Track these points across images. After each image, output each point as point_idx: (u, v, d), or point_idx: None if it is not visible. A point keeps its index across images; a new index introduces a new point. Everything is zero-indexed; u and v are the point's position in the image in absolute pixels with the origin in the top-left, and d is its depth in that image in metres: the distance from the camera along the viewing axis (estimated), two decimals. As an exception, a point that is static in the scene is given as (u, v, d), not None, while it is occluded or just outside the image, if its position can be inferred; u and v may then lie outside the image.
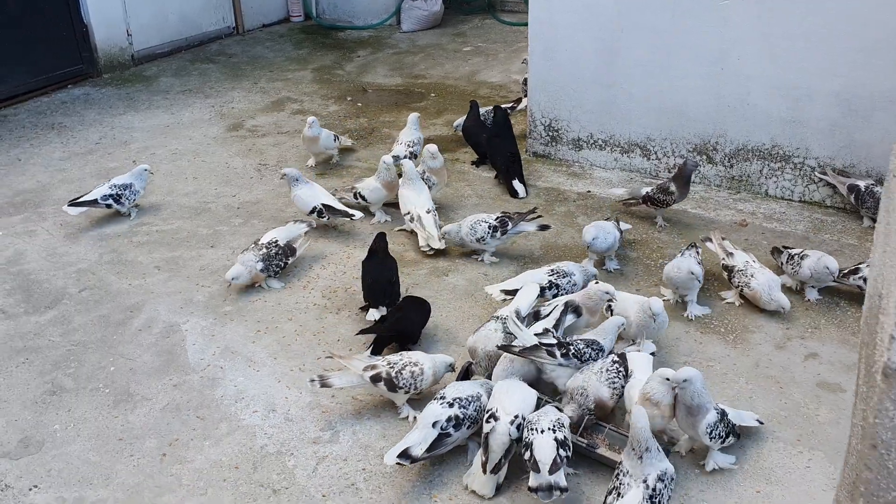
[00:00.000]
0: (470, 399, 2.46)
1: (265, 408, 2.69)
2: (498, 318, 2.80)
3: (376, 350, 2.84)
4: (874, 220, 3.34)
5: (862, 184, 3.67)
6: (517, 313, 2.81)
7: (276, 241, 3.35)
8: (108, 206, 3.87)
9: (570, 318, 2.82)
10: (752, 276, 3.07)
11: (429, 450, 2.34)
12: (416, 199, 3.64)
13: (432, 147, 3.96)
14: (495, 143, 4.26)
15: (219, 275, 3.43)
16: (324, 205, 3.69)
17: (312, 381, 2.59)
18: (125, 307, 3.29)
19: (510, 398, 2.44)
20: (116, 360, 2.96)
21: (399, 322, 2.94)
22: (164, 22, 6.61)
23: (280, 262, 3.31)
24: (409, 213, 3.65)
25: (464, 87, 5.83)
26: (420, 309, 3.00)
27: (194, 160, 4.69)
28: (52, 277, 3.51)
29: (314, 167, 4.47)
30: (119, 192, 3.87)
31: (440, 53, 6.63)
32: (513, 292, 3.07)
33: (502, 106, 4.56)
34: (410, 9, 7.22)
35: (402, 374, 2.57)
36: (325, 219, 3.71)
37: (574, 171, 4.41)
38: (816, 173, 3.87)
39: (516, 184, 4.12)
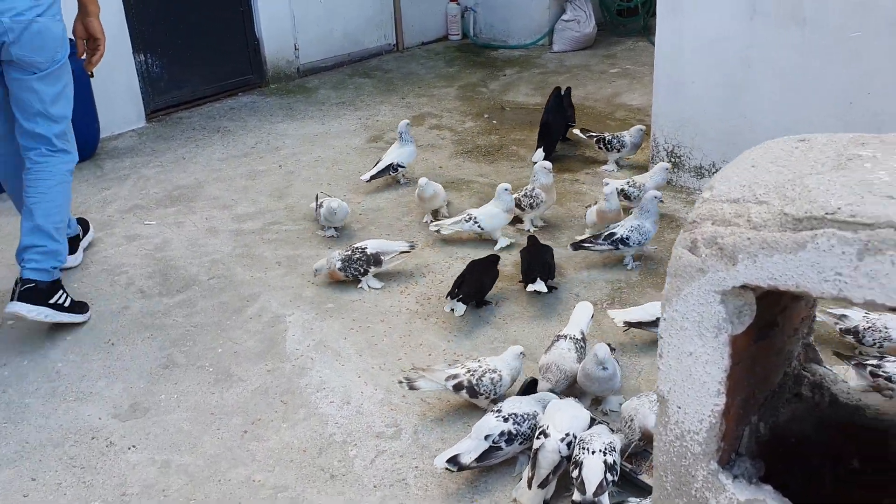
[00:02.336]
0: (526, 416, 2.56)
1: (341, 399, 2.92)
2: (566, 337, 2.89)
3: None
4: None
5: None
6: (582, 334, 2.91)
7: (365, 248, 3.57)
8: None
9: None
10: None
11: (478, 459, 2.47)
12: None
13: (546, 163, 4.08)
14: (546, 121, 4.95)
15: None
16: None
17: (401, 382, 2.78)
18: (243, 296, 3.64)
19: (562, 416, 2.52)
20: (225, 343, 3.30)
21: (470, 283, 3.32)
22: (329, 38, 7.10)
23: (360, 268, 3.52)
24: None
25: (602, 108, 5.87)
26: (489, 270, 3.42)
27: (332, 167, 5.05)
28: (189, 265, 3.94)
29: (431, 222, 4.10)
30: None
31: (585, 74, 6.69)
32: (636, 324, 3.11)
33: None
34: (563, 29, 7.33)
35: (482, 381, 2.72)
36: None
37: (693, 198, 4.36)
38: None
39: (539, 151, 4.85)
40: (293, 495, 2.51)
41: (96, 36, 3.44)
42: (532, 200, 4.03)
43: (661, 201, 3.67)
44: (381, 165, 4.61)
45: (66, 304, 3.34)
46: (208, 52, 6.31)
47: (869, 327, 2.83)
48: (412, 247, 3.69)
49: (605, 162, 4.85)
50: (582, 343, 2.90)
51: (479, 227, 3.89)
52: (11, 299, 3.19)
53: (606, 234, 3.60)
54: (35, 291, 3.21)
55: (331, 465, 2.62)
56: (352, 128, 5.74)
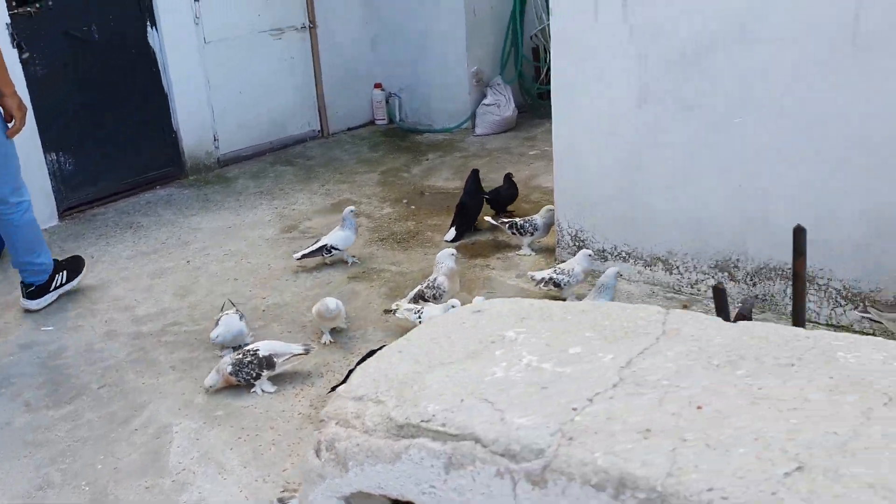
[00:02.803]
0: None
1: (219, 517, 2.79)
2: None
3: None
4: None
5: None
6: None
7: (257, 350, 3.48)
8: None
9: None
10: None
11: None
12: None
13: (451, 249, 4.10)
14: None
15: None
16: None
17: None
18: (132, 405, 3.51)
19: None
20: (106, 459, 3.15)
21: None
22: (250, 127, 7.10)
23: (252, 372, 3.42)
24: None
25: (519, 190, 5.89)
26: None
27: (241, 261, 4.97)
28: (81, 373, 3.80)
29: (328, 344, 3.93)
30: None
31: (505, 157, 6.76)
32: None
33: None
34: (484, 113, 7.43)
35: None
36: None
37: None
38: (857, 312, 3.62)
39: (451, 230, 5.02)
40: None
41: (11, 114, 4.07)
42: (435, 291, 3.99)
43: (622, 275, 3.94)
44: (315, 246, 4.66)
45: (65, 280, 4.52)
46: (124, 146, 6.25)
47: None
48: (307, 350, 3.59)
49: (517, 247, 4.85)
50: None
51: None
52: (22, 296, 4.40)
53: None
54: (38, 290, 4.41)
55: (199, 592, 2.48)
56: (266, 218, 5.70)
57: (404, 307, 3.85)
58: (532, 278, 4.16)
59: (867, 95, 3.36)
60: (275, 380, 3.55)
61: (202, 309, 4.35)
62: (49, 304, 4.45)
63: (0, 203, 4.13)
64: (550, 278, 4.08)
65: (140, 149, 6.36)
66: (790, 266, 3.70)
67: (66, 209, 5.95)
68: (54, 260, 4.53)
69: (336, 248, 4.64)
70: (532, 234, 4.72)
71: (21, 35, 5.46)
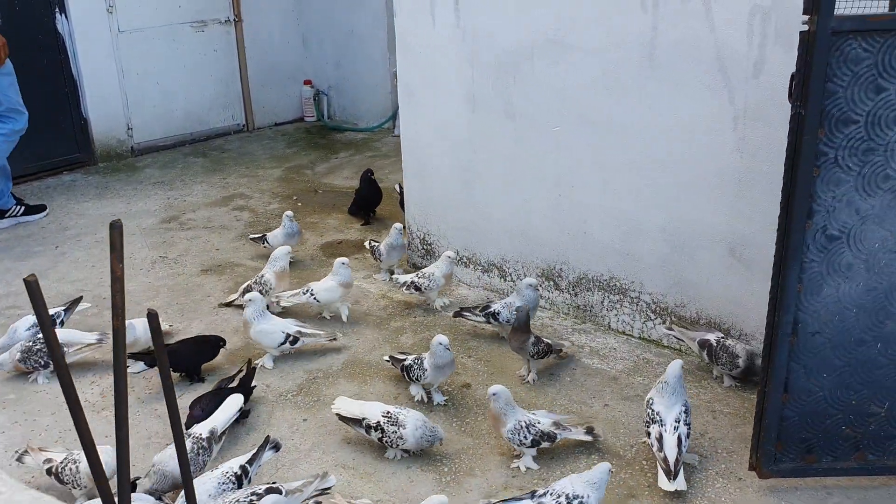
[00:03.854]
0: None
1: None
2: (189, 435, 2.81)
3: None
4: (734, 378, 3.11)
5: (712, 337, 3.35)
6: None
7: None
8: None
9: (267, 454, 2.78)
10: None
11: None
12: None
13: (286, 247, 4.11)
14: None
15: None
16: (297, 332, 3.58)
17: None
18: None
19: None
20: None
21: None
22: (169, 118, 7.13)
23: (40, 360, 3.43)
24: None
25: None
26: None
27: (106, 249, 4.96)
28: None
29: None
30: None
31: (413, 158, 6.74)
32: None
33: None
34: (406, 113, 7.42)
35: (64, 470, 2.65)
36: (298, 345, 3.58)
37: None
38: (664, 329, 3.58)
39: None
40: None
41: None
42: (262, 287, 3.98)
43: (537, 289, 3.76)
44: (259, 235, 4.76)
45: (19, 214, 5.39)
46: (32, 130, 6.23)
47: None
48: (100, 340, 3.59)
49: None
50: (204, 444, 2.80)
51: (315, 299, 3.91)
52: None
53: (483, 307, 3.75)
54: None
55: None
56: (153, 208, 5.71)
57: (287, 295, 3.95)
58: (396, 281, 4.12)
59: (662, 111, 3.33)
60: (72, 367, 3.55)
61: (50, 294, 4.36)
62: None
63: None
64: (412, 282, 4.02)
65: (46, 134, 6.37)
66: (607, 277, 3.70)
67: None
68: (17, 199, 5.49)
69: (267, 243, 4.64)
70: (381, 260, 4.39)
71: (-83, 16, 5.50)
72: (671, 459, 2.73)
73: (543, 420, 2.90)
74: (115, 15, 6.62)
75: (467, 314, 3.77)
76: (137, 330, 3.54)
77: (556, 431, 2.88)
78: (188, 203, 5.81)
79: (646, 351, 3.63)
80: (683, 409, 2.83)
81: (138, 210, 5.69)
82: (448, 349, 3.13)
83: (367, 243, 4.55)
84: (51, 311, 3.82)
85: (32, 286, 1.31)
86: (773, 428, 2.67)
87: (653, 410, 2.84)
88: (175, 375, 3.48)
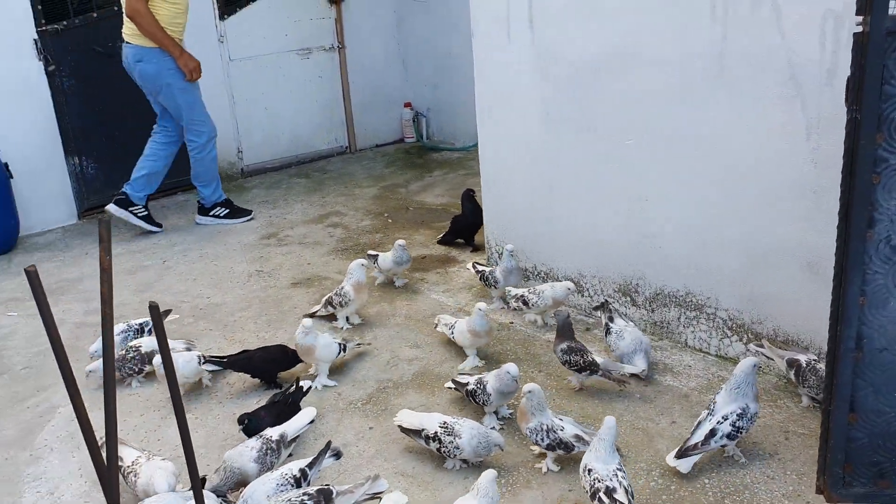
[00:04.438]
0: None
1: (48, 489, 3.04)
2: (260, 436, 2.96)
3: None
4: (815, 401, 3.01)
5: (803, 359, 3.21)
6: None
7: (140, 346, 3.72)
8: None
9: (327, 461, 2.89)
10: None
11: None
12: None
13: (363, 260, 4.21)
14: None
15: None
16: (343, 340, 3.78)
17: None
18: (38, 387, 3.83)
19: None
20: (-9, 430, 3.48)
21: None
22: (276, 142, 7.50)
23: (134, 367, 3.67)
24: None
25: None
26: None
27: (209, 263, 5.29)
28: (14, 355, 4.18)
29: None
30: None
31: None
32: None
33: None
34: (502, 133, 7.48)
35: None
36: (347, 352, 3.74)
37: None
38: (752, 346, 3.47)
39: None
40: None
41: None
42: (341, 299, 4.12)
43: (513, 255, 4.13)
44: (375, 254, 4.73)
45: (222, 215, 6.04)
46: (148, 154, 6.74)
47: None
48: (188, 348, 3.80)
49: (461, 262, 4.90)
50: (273, 446, 2.93)
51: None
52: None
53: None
54: (200, 209, 6.07)
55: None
56: (255, 225, 6.01)
57: (443, 321, 3.87)
58: (507, 293, 4.10)
59: (733, 122, 3.25)
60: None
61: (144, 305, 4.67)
62: (207, 226, 6.03)
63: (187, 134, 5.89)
64: (522, 296, 3.99)
65: (166, 157, 6.83)
66: (684, 292, 3.63)
67: (86, 210, 6.49)
68: (226, 199, 6.13)
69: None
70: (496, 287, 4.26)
71: (48, 49, 6.04)
72: (692, 441, 2.78)
73: (567, 428, 2.88)
74: (226, 44, 7.03)
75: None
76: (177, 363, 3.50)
77: (574, 443, 2.85)
78: (287, 221, 6.07)
79: (721, 369, 3.51)
80: (740, 410, 2.77)
81: (242, 227, 5.99)
82: (516, 380, 3.11)
83: (471, 266, 4.48)
84: (140, 321, 4.10)
85: (32, 276, 1.44)
86: (839, 449, 2.53)
87: (712, 402, 2.86)
88: (252, 380, 3.65)
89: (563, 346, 3.34)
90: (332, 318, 4.24)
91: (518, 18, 3.94)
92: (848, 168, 2.31)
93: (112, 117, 6.50)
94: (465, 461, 2.98)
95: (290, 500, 2.57)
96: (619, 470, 2.57)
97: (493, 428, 3.17)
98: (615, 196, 3.80)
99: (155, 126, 5.96)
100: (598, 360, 3.34)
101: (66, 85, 6.23)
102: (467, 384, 3.28)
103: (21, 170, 5.92)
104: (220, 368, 3.68)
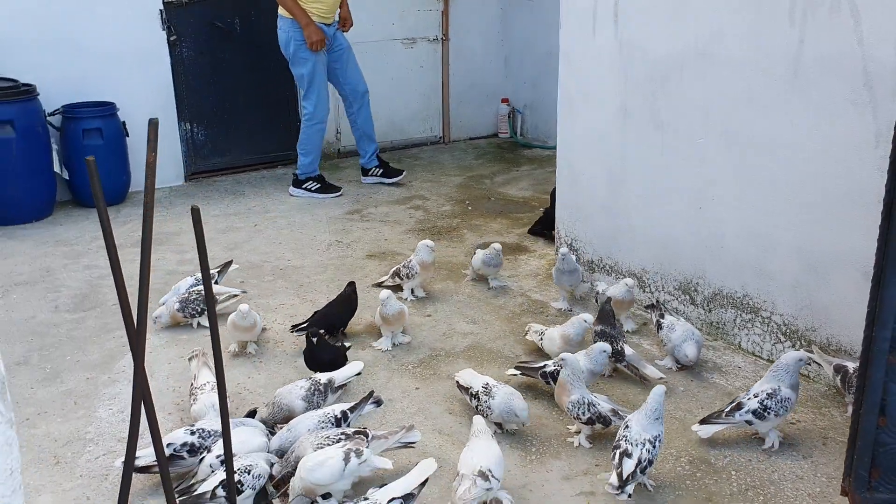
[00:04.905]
0: (213, 433, 2.84)
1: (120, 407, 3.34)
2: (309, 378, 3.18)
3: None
4: None
5: (851, 366, 3.20)
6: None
7: (200, 289, 4.03)
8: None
9: (368, 407, 3.07)
10: None
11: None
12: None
13: (429, 241, 4.37)
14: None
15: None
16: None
17: None
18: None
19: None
20: (76, 353, 3.84)
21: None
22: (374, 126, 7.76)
23: (196, 308, 3.97)
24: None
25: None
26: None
27: (295, 231, 5.58)
28: (108, 293, 4.55)
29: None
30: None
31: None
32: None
33: None
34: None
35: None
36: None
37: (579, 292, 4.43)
38: (803, 352, 3.45)
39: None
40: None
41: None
42: (409, 271, 4.32)
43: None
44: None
45: (314, 189, 6.38)
46: (252, 127, 7.15)
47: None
48: (244, 291, 4.18)
49: (533, 251, 5.01)
50: (321, 388, 3.14)
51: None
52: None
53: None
54: (295, 181, 6.46)
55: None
56: (343, 202, 6.28)
57: (533, 329, 3.72)
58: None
59: (804, 127, 3.25)
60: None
61: (239, 260, 4.97)
62: (298, 198, 6.36)
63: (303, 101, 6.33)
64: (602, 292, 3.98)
65: (267, 132, 7.23)
66: (741, 294, 3.64)
67: (193, 174, 6.93)
68: (320, 175, 6.45)
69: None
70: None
71: (171, 21, 6.49)
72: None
73: (603, 404, 2.96)
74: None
75: None
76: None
77: (611, 417, 2.93)
78: (373, 200, 6.32)
79: (773, 374, 3.50)
80: (770, 390, 2.92)
81: (331, 203, 6.27)
82: (609, 357, 3.26)
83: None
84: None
85: (91, 165, 1.64)
86: (866, 452, 2.53)
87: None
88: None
89: (598, 328, 3.44)
90: (398, 288, 4.42)
91: (604, 12, 4.02)
92: (893, 166, 2.31)
93: (224, 90, 6.91)
94: (499, 426, 3.10)
95: (328, 436, 2.77)
96: (652, 442, 2.66)
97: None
98: (682, 194, 3.84)
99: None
100: (627, 350, 3.43)
101: (185, 55, 6.67)
102: (544, 366, 3.31)
103: (137, 131, 6.37)
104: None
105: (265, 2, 6.70)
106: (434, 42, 7.94)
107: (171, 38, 6.54)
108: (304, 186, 6.43)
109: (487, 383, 3.10)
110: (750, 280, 3.62)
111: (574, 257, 4.15)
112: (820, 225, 3.28)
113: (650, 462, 2.65)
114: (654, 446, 2.67)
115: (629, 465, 2.61)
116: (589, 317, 3.57)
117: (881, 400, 2.47)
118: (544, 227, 5.29)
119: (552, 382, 3.20)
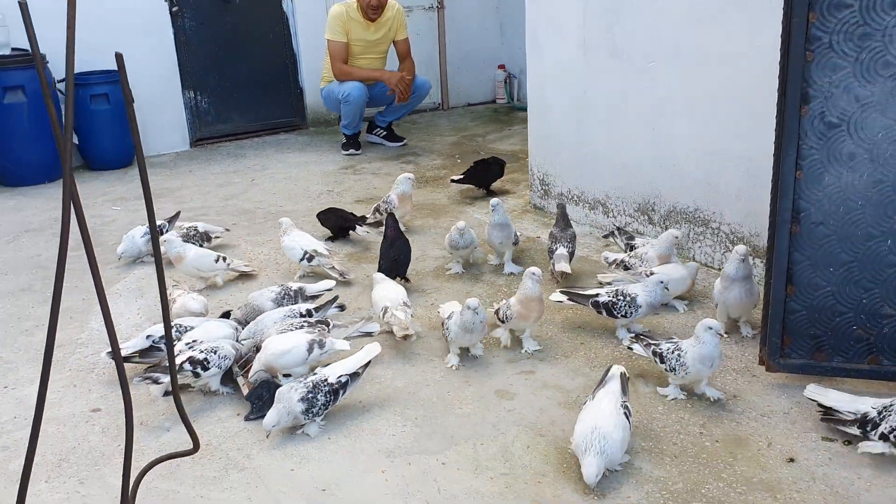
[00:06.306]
0: (185, 328, 3.12)
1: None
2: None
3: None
4: None
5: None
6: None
7: (196, 226, 4.32)
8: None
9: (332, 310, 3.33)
10: None
11: (140, 355, 3.07)
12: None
13: (409, 175, 4.63)
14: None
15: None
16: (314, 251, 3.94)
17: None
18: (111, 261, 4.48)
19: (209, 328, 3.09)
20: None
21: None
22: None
23: (196, 244, 4.23)
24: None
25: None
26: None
27: (290, 183, 5.86)
28: (111, 236, 4.85)
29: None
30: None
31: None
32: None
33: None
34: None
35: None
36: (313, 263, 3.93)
37: (549, 222, 4.64)
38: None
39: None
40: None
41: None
42: (387, 206, 4.57)
43: (667, 289, 3.32)
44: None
45: (383, 134, 6.92)
46: (254, 95, 7.45)
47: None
48: (227, 229, 4.54)
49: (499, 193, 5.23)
50: (291, 294, 3.40)
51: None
52: None
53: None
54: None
55: (58, 352, 3.33)
56: (338, 159, 6.55)
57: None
58: (605, 259, 3.79)
59: (742, 40, 3.43)
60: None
61: (233, 208, 5.28)
62: (297, 157, 6.69)
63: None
64: (622, 261, 3.70)
65: (269, 100, 7.53)
66: (692, 210, 3.84)
67: (198, 140, 7.24)
68: (349, 139, 6.72)
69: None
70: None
71: (173, -8, 6.82)
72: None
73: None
74: (331, -1, 7.61)
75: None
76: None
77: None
78: (366, 158, 6.58)
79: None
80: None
81: (326, 160, 6.55)
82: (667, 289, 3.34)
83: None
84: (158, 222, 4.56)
85: (119, 59, 1.84)
86: (777, 319, 2.73)
87: None
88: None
89: (552, 230, 3.78)
90: (378, 224, 4.66)
91: (563, -51, 4.24)
92: (784, 46, 2.51)
93: (226, 59, 7.22)
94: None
95: (292, 323, 3.03)
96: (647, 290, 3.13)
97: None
98: (638, 119, 4.05)
99: None
100: (560, 252, 3.74)
101: (187, 26, 6.98)
102: (597, 296, 3.22)
103: (143, 99, 6.67)
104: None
105: (262, -27, 7.01)
106: (430, 10, 8.18)
107: (174, 10, 6.85)
108: (374, 132, 7.00)
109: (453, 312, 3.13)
110: (700, 195, 3.82)
111: (504, 209, 3.89)
112: (758, 135, 3.45)
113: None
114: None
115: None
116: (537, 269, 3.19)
117: (787, 268, 2.67)
118: (470, 181, 5.26)
119: (604, 313, 3.18)
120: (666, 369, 2.78)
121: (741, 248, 3.10)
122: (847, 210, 2.57)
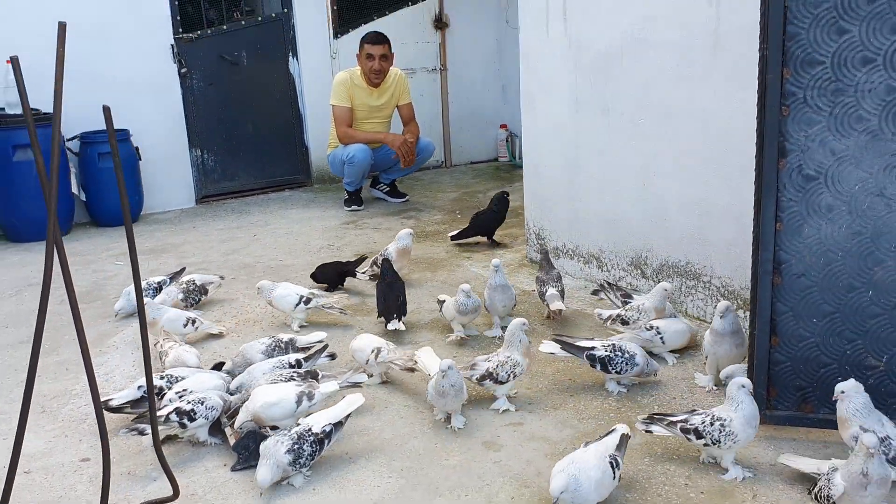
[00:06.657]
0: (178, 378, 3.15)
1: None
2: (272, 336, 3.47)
3: None
4: None
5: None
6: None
7: (193, 279, 4.39)
8: None
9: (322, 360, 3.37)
10: None
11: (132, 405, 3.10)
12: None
13: (409, 230, 4.70)
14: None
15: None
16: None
17: None
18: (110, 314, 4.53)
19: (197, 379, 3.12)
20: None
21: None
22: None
23: (197, 297, 4.32)
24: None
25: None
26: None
27: (292, 238, 5.94)
28: (108, 294, 4.91)
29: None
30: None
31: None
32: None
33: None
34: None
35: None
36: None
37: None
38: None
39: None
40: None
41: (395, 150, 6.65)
42: (383, 258, 4.62)
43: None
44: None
45: (386, 190, 7.04)
46: (260, 154, 7.60)
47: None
48: (221, 277, 4.58)
49: (506, 246, 5.29)
50: (282, 346, 3.44)
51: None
52: None
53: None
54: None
55: (51, 403, 3.35)
56: (340, 215, 6.65)
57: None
58: (599, 316, 3.72)
59: (726, 97, 3.51)
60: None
61: (234, 262, 5.35)
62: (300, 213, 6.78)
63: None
64: (619, 315, 3.63)
65: (274, 158, 7.68)
66: (683, 263, 3.88)
67: (203, 197, 7.36)
68: (351, 195, 6.81)
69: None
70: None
71: (182, 54, 7.01)
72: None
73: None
74: (338, 61, 7.81)
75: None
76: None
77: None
78: (369, 213, 6.68)
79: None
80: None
81: (329, 215, 6.65)
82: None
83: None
84: (158, 279, 4.60)
85: (107, 111, 1.94)
86: (762, 370, 2.74)
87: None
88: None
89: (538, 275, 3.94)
90: (377, 277, 4.70)
91: (555, 12, 4.37)
92: (761, 102, 2.58)
93: (232, 118, 7.39)
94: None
95: (281, 374, 3.05)
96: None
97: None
98: (629, 174, 4.11)
99: None
100: (551, 292, 3.85)
101: (195, 86, 7.17)
102: (592, 349, 3.16)
103: (151, 156, 6.84)
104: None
105: (268, 36, 7.22)
106: (433, 72, 8.37)
107: (182, 71, 7.04)
108: (377, 187, 7.13)
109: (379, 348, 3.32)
110: (691, 248, 3.86)
111: (504, 271, 3.87)
112: (746, 188, 3.49)
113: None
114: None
115: None
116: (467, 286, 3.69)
117: (770, 319, 2.69)
118: (474, 233, 5.39)
119: (599, 367, 3.13)
120: (706, 444, 2.59)
121: (722, 304, 3.13)
122: (827, 261, 2.60)
